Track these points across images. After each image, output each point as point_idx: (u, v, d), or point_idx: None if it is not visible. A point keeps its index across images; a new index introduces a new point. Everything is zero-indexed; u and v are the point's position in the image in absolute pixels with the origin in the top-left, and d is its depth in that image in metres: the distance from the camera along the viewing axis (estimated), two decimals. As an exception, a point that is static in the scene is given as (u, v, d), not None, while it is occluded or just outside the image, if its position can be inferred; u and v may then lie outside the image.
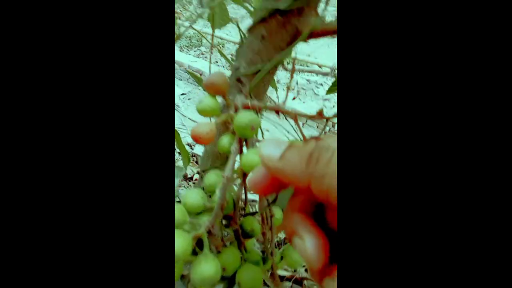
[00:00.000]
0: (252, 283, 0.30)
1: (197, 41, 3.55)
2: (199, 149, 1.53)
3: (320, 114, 0.29)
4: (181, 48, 3.47)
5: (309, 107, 2.36)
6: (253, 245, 0.40)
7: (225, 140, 0.31)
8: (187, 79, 2.81)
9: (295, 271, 0.87)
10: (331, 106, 2.40)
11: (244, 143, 0.31)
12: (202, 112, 0.30)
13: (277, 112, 0.30)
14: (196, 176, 1.27)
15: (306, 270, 0.88)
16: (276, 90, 0.59)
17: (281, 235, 0.89)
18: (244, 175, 0.30)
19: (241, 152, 0.31)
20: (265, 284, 0.39)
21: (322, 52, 3.07)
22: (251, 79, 0.32)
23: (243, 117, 0.26)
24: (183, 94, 2.57)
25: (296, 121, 0.28)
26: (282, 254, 0.37)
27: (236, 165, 0.29)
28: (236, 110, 0.32)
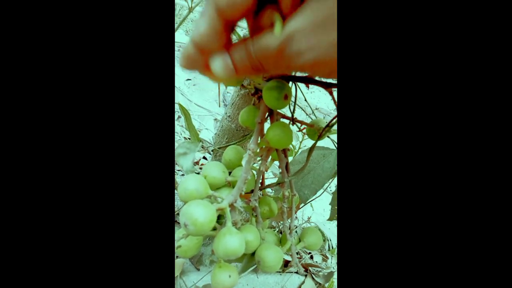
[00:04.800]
0: (273, 262, 0.28)
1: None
2: (205, 135, 1.52)
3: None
4: (187, 31, 3.42)
5: (315, 96, 2.34)
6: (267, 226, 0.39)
7: (248, 112, 0.30)
8: (193, 64, 2.78)
9: (300, 257, 0.87)
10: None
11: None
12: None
13: (307, 84, 0.28)
14: (203, 161, 1.26)
15: (311, 257, 0.88)
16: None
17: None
18: (268, 150, 0.29)
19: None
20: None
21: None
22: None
23: (275, 86, 0.24)
24: (188, 79, 2.54)
25: (331, 94, 0.26)
26: (301, 236, 0.36)
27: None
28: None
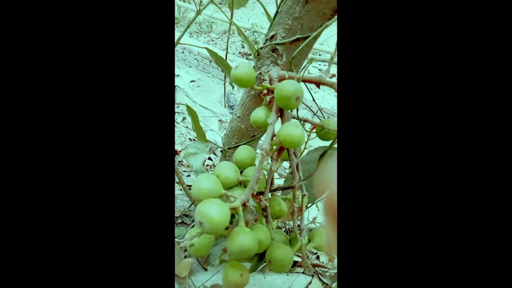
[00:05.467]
0: (284, 262, 0.29)
1: (207, 27, 3.51)
2: (210, 136, 1.53)
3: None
4: (191, 34, 3.44)
5: (320, 97, 2.34)
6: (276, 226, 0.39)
7: (260, 113, 0.30)
8: (197, 65, 2.79)
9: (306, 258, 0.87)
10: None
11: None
12: (238, 80, 0.28)
13: (318, 85, 0.28)
14: (207, 162, 1.26)
15: (318, 257, 0.88)
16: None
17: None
18: (279, 150, 0.29)
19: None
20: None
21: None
22: (289, 48, 0.30)
23: (287, 87, 0.25)
24: (192, 81, 2.55)
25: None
26: (310, 236, 0.36)
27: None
28: (271, 82, 0.31)
